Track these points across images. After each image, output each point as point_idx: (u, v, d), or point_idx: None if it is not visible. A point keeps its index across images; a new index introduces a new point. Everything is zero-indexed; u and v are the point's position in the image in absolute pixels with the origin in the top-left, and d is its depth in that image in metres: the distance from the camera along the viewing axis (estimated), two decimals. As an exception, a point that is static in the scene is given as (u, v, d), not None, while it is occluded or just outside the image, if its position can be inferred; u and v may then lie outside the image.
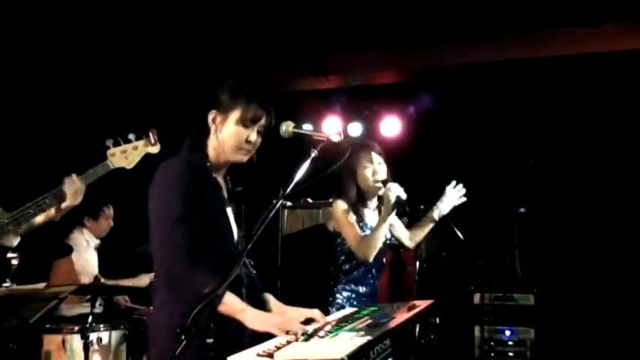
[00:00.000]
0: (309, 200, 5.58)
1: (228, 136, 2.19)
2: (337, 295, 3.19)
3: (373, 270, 3.24)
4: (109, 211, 5.07)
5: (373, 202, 3.30)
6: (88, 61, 5.74)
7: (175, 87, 6.11)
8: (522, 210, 5.85)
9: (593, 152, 5.96)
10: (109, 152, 2.71)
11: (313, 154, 2.08)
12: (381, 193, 3.18)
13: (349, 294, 3.18)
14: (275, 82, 6.38)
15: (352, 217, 3.16)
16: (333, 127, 6.28)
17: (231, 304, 2.01)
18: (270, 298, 2.36)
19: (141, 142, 2.72)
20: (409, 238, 3.43)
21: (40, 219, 2.79)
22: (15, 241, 2.89)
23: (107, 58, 5.79)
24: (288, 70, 6.47)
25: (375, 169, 3.19)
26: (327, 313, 3.11)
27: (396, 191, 3.03)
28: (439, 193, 3.50)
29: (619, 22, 5.45)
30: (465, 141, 6.25)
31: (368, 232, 3.18)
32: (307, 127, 2.39)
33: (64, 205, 2.70)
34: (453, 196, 3.40)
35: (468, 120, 6.27)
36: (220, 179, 2.29)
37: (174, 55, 5.95)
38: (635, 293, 5.46)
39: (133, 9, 5.14)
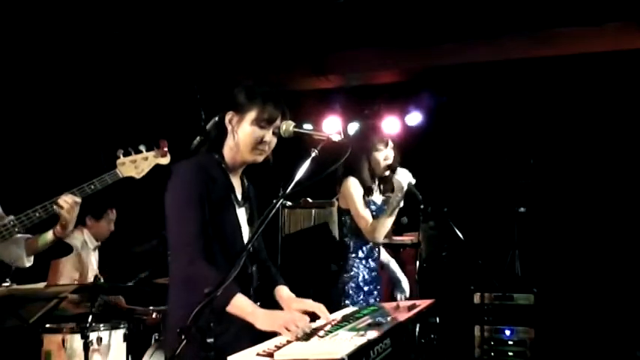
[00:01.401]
0: (309, 200, 5.57)
1: (244, 136, 2.23)
2: (352, 269, 3.32)
3: (376, 248, 3.43)
4: (112, 215, 5.08)
5: (376, 182, 3.45)
6: (101, 72, 5.77)
7: (179, 92, 6.10)
8: (522, 210, 5.84)
9: (593, 152, 5.96)
10: (118, 161, 2.80)
11: (314, 154, 2.09)
12: (387, 174, 3.33)
13: (360, 269, 3.33)
14: (275, 82, 6.37)
15: (363, 197, 3.30)
16: (333, 126, 6.28)
17: (241, 306, 2.04)
18: (279, 291, 2.38)
19: (151, 153, 2.81)
20: None
21: (49, 237, 2.92)
22: (27, 262, 2.98)
23: (116, 68, 5.83)
24: (288, 70, 6.47)
25: (387, 153, 3.34)
26: (342, 293, 3.29)
27: (406, 178, 3.16)
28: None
29: (621, 21, 5.45)
30: (464, 141, 6.25)
31: (373, 208, 3.33)
32: (307, 127, 2.39)
33: (62, 221, 2.80)
34: None
35: (467, 120, 6.26)
36: (236, 180, 2.33)
37: (175, 55, 5.94)
38: (635, 293, 5.45)
39: (135, 14, 5.17)
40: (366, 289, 3.31)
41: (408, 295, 3.59)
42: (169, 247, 2.18)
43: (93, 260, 4.99)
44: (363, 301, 3.27)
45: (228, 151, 2.28)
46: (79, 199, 2.78)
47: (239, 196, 2.31)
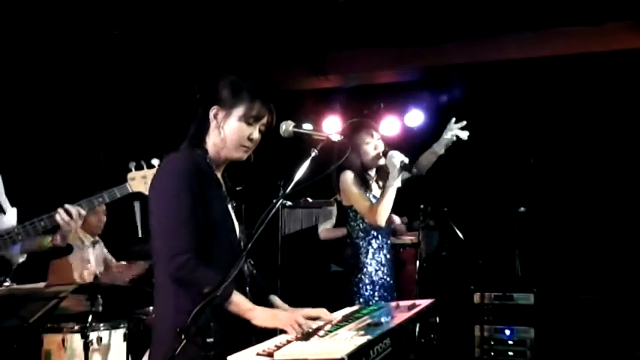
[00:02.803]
0: (309, 200, 5.57)
1: (231, 132, 2.17)
2: (365, 266, 3.33)
3: (386, 238, 3.44)
4: (100, 207, 4.97)
5: (373, 174, 3.50)
6: (100, 72, 5.77)
7: (178, 92, 6.07)
8: (522, 209, 5.84)
9: (593, 152, 5.96)
10: (129, 176, 2.77)
11: (313, 154, 2.08)
12: (381, 163, 3.38)
13: (377, 262, 3.36)
14: (275, 81, 6.37)
15: (360, 186, 3.35)
16: (333, 126, 6.28)
17: (240, 303, 2.02)
18: (274, 300, 2.36)
19: None
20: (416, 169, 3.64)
21: (46, 242, 2.95)
22: (19, 258, 2.97)
23: (115, 68, 5.82)
24: (288, 70, 6.47)
25: (376, 143, 3.41)
26: (356, 290, 3.31)
27: (398, 157, 3.23)
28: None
29: (621, 21, 5.45)
30: (464, 140, 6.24)
31: (374, 201, 3.34)
32: (307, 127, 2.38)
33: (63, 230, 2.83)
34: (455, 129, 3.72)
35: (468, 119, 6.25)
36: (219, 176, 2.27)
37: (175, 56, 5.94)
38: (635, 293, 5.45)
39: (136, 14, 5.18)
40: (380, 282, 3.35)
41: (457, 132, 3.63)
42: (157, 244, 2.07)
43: (92, 258, 4.96)
44: (377, 295, 3.30)
45: (212, 147, 2.21)
46: (83, 212, 2.76)
47: (225, 192, 2.26)
